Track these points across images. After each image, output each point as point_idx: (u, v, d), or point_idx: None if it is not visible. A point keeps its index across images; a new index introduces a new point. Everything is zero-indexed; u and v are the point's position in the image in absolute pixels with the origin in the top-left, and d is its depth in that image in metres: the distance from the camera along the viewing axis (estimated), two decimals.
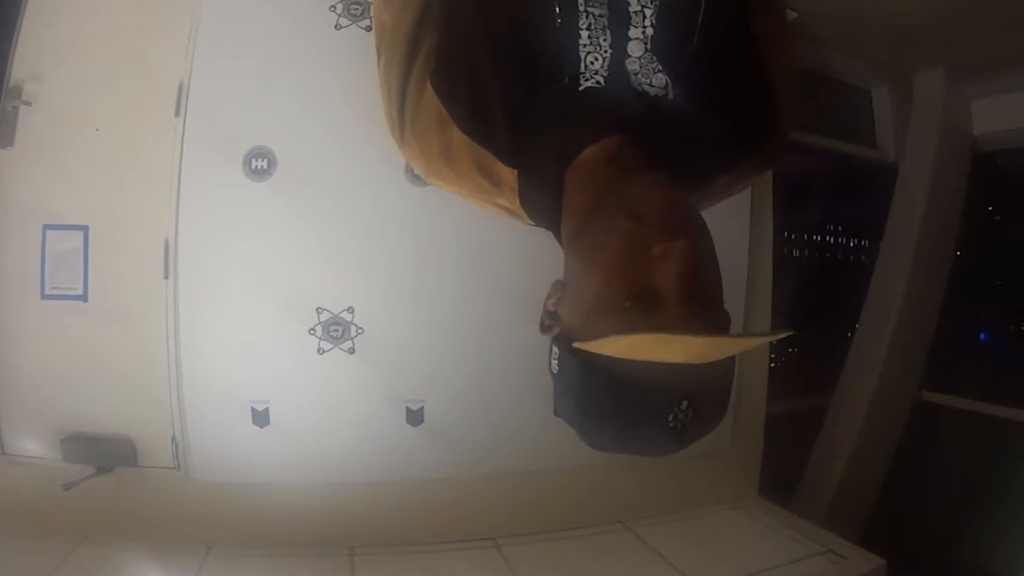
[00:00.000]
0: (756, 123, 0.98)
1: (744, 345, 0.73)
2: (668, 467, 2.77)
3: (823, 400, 3.66)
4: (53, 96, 2.30)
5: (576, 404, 0.78)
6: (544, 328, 0.86)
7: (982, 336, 4.05)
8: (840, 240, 4.03)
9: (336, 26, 2.41)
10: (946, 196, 3.55)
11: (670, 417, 0.72)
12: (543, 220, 0.95)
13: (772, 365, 3.30)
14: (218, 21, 2.34)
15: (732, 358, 0.77)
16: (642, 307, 0.70)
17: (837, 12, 2.96)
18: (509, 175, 0.93)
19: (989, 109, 3.58)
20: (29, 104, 2.28)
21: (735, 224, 2.91)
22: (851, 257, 4.04)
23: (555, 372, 0.82)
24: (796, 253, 3.85)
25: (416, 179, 2.41)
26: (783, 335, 0.73)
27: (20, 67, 2.29)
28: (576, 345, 0.71)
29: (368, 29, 2.40)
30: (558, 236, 0.92)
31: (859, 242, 4.02)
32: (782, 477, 3.31)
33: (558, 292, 0.85)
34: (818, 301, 3.90)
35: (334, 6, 2.40)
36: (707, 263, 0.75)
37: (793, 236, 3.80)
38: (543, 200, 0.92)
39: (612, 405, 0.74)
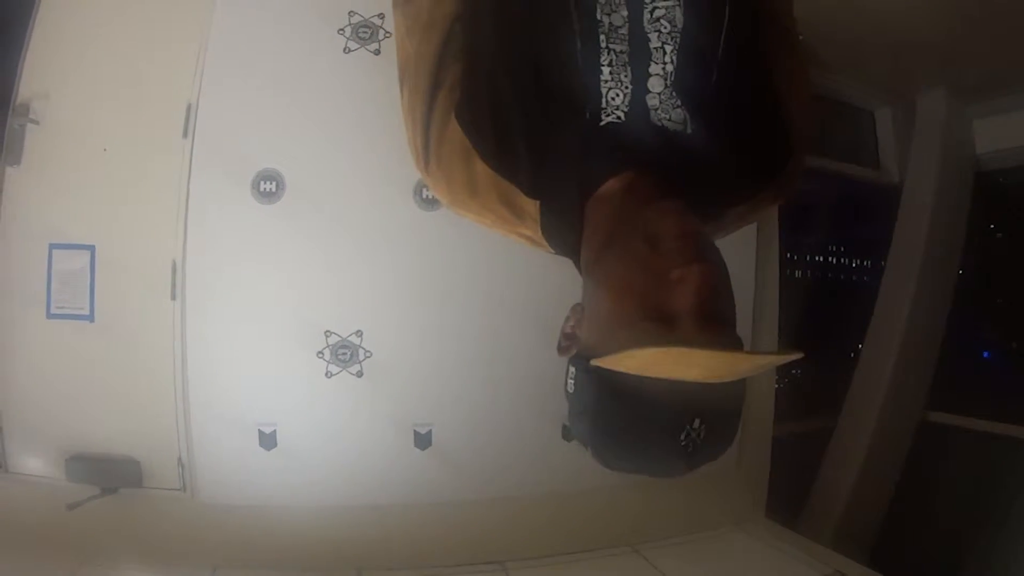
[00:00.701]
0: (771, 155, 1.00)
1: (758, 363, 0.73)
2: (675, 490, 2.76)
3: (828, 421, 3.65)
4: (61, 115, 2.31)
5: (590, 422, 0.78)
6: (561, 349, 0.87)
7: (985, 354, 4.05)
8: (844, 261, 4.04)
9: (345, 49, 2.42)
10: (949, 215, 3.56)
11: (682, 436, 0.72)
12: (564, 249, 0.96)
13: (777, 387, 3.31)
14: (226, 43, 2.35)
15: (742, 383, 0.78)
16: (660, 327, 0.70)
17: (840, 34, 2.96)
18: (531, 206, 0.94)
19: (991, 128, 3.59)
20: (37, 123, 2.29)
21: (742, 247, 2.93)
22: (854, 278, 4.05)
23: (570, 392, 0.82)
24: (799, 275, 3.85)
25: (424, 203, 2.42)
26: (795, 356, 0.74)
27: (28, 86, 2.31)
28: (595, 362, 0.72)
29: (376, 53, 2.42)
30: (578, 265, 0.94)
31: (862, 263, 4.03)
32: (789, 498, 3.31)
33: (576, 315, 0.86)
34: (822, 322, 3.90)
35: (343, 29, 2.42)
36: (722, 288, 0.76)
37: (796, 258, 3.81)
38: (564, 231, 0.93)
39: (625, 422, 0.75)
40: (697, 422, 0.72)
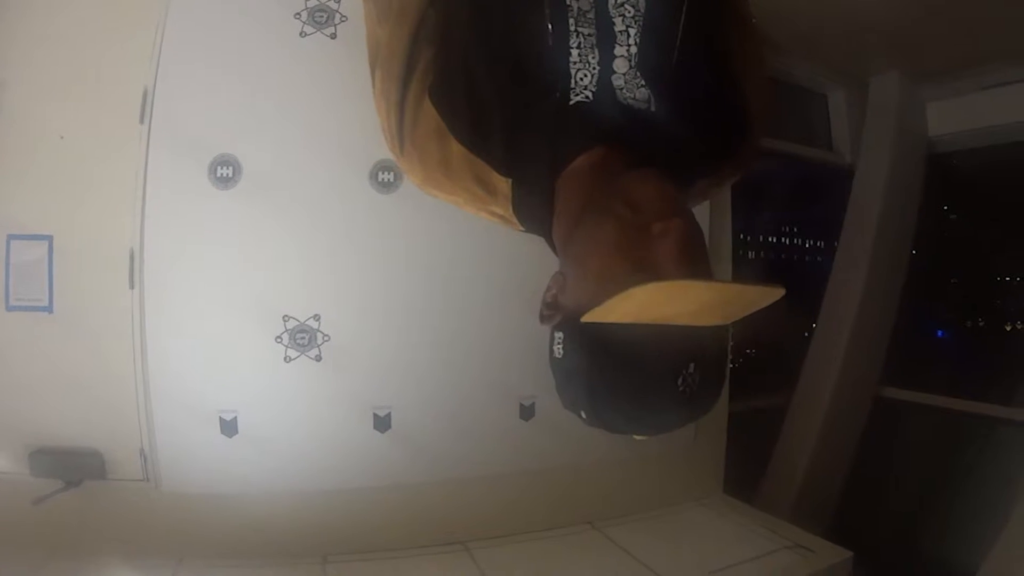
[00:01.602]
0: (730, 131, 1.06)
1: (747, 295, 0.75)
2: (634, 467, 2.83)
3: (784, 399, 3.72)
4: (16, 103, 2.28)
5: (585, 383, 0.80)
6: (544, 318, 0.89)
7: (939, 333, 4.14)
8: (798, 241, 4.10)
9: (301, 33, 2.41)
10: (902, 196, 3.63)
11: (679, 381, 0.74)
12: (535, 226, 1.00)
13: (732, 366, 3.35)
14: (183, 28, 2.33)
15: (727, 328, 0.81)
16: (648, 277, 0.70)
17: (794, 17, 2.99)
18: (504, 184, 0.98)
19: (944, 111, 3.65)
20: None
21: None
22: (807, 258, 4.11)
23: (558, 356, 0.84)
24: (753, 255, 3.90)
25: (381, 186, 2.42)
26: (779, 293, 0.75)
27: None
28: (587, 316, 0.72)
29: (333, 37, 2.41)
30: (549, 240, 0.98)
31: (815, 243, 4.09)
32: (747, 474, 3.38)
33: (557, 283, 0.89)
34: (778, 302, 3.92)
35: (299, 14, 2.41)
36: (701, 243, 0.80)
37: (750, 238, 3.86)
38: (535, 207, 0.97)
39: (621, 375, 0.76)
40: (692, 366, 0.75)
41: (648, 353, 0.73)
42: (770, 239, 4.01)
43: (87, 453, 2.32)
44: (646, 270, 0.73)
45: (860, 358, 3.57)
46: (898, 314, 3.73)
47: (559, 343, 0.84)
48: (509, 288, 2.42)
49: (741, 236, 3.67)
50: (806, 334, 3.77)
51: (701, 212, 2.92)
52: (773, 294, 0.74)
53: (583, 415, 0.82)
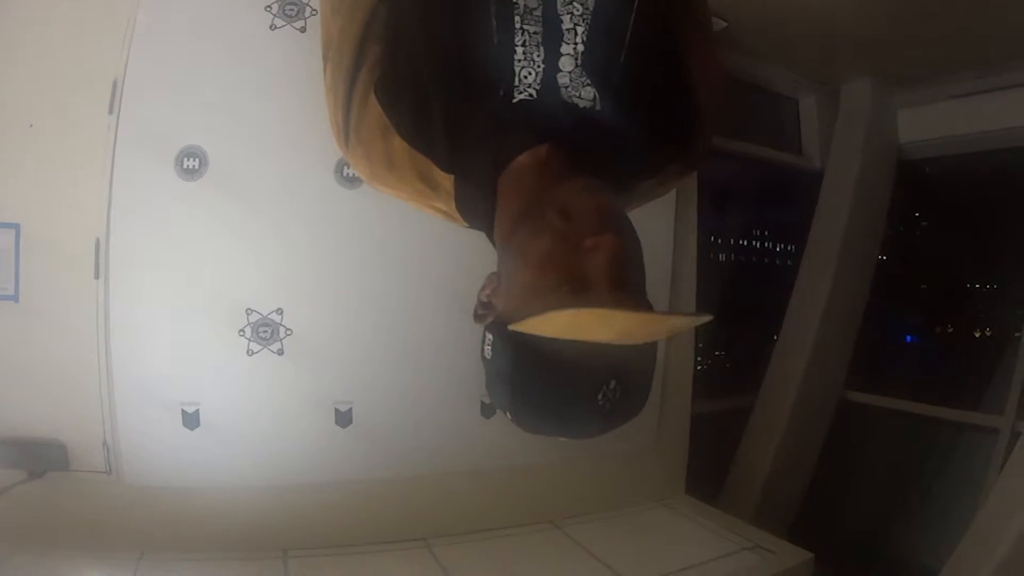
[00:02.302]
0: (678, 132, 1.07)
1: (670, 323, 0.79)
2: (596, 466, 2.84)
3: (749, 400, 3.74)
4: None
5: (509, 387, 0.82)
6: (477, 317, 0.92)
7: (908, 338, 4.18)
8: (767, 245, 4.13)
9: (271, 26, 2.40)
10: (870, 202, 3.66)
11: (599, 396, 0.77)
12: (477, 222, 1.02)
13: (699, 368, 3.38)
14: (155, 17, 2.30)
15: (655, 345, 0.84)
16: (575, 293, 0.75)
17: (766, 22, 3.02)
18: (447, 180, 0.99)
19: (915, 118, 3.69)
20: None
21: (660, 225, 3.00)
22: (777, 261, 4.15)
23: (488, 358, 0.86)
24: (722, 257, 3.94)
25: (346, 180, 2.42)
26: (705, 319, 0.78)
27: None
28: (513, 326, 0.75)
29: (302, 31, 2.40)
30: (491, 237, 1.00)
31: (785, 247, 4.12)
32: (709, 475, 3.40)
33: (492, 283, 0.92)
34: (745, 305, 3.99)
35: (269, 6, 2.40)
36: (634, 257, 0.82)
37: (719, 241, 3.89)
38: (478, 204, 0.99)
39: (543, 385, 0.79)
40: (613, 383, 0.77)
41: (570, 367, 0.75)
42: (740, 242, 4.04)
43: (50, 444, 2.29)
44: (575, 286, 0.75)
45: (825, 361, 3.59)
46: (866, 319, 3.76)
47: (489, 344, 0.86)
48: (473, 285, 2.35)
49: (711, 238, 3.71)
50: (775, 336, 3.79)
51: (667, 209, 3.00)
52: (698, 321, 0.77)
53: (508, 415, 0.85)
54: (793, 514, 3.59)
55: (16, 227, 2.27)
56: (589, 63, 0.98)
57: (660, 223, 3.00)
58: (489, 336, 0.86)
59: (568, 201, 0.81)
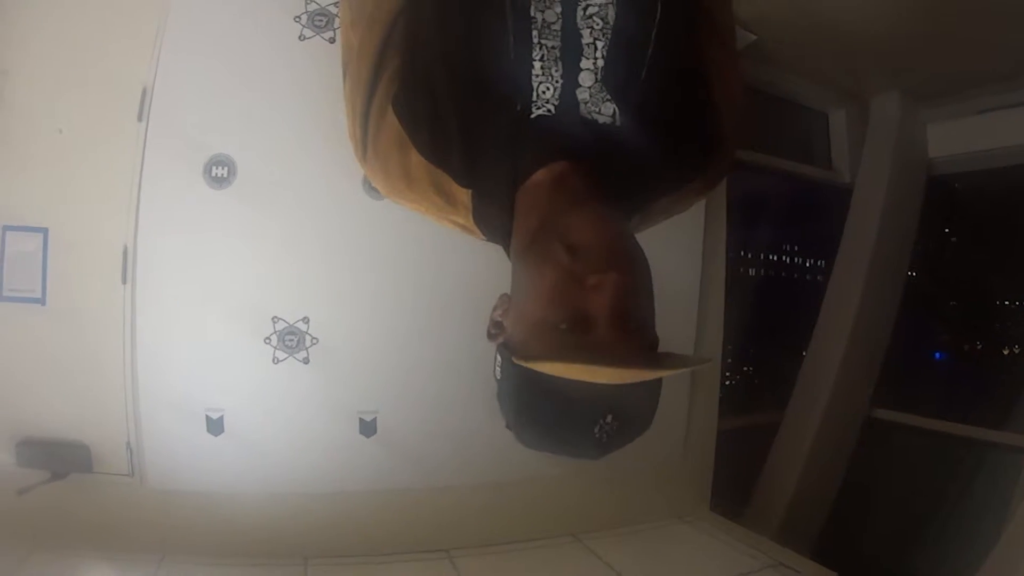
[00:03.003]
0: (698, 150, 1.05)
1: (663, 375, 0.79)
2: (620, 481, 2.81)
3: (776, 417, 3.69)
4: (17, 95, 2.28)
5: (513, 408, 0.85)
6: (491, 336, 0.93)
7: (937, 355, 4.12)
8: (796, 260, 4.09)
9: (300, 37, 2.42)
10: (900, 216, 3.61)
11: (595, 429, 0.79)
12: (495, 236, 1.01)
13: (727, 383, 3.35)
14: (184, 26, 2.34)
15: (658, 380, 0.83)
16: (575, 330, 0.76)
17: (795, 35, 3.00)
18: (464, 195, 0.99)
19: (944, 133, 3.64)
20: None
21: (688, 241, 2.99)
22: (807, 277, 4.10)
23: (498, 377, 0.88)
24: (752, 272, 3.89)
25: (374, 191, 2.41)
26: (704, 363, 0.78)
27: None
28: (516, 361, 0.78)
29: (332, 41, 2.42)
30: (508, 252, 0.98)
31: (815, 262, 4.07)
32: (734, 492, 3.36)
33: (504, 304, 0.91)
34: (774, 320, 3.96)
35: (299, 17, 2.42)
36: (638, 293, 0.81)
37: (749, 255, 3.85)
38: (495, 219, 0.98)
39: (543, 414, 0.80)
40: (610, 417, 0.78)
41: (568, 401, 0.76)
42: (771, 256, 4.00)
43: (74, 445, 2.32)
44: (576, 321, 0.77)
45: (853, 378, 3.54)
46: (894, 335, 3.71)
47: (498, 365, 0.88)
48: (497, 297, 2.36)
49: (742, 253, 3.69)
50: (804, 353, 3.75)
51: (695, 224, 2.99)
52: (694, 366, 0.77)
53: (512, 433, 0.88)
54: (817, 532, 3.54)
55: (44, 231, 2.30)
56: (609, 79, 0.97)
57: (688, 239, 2.99)
58: (498, 357, 0.88)
59: (576, 234, 0.81)
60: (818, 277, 4.00)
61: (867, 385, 3.66)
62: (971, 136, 3.52)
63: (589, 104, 0.97)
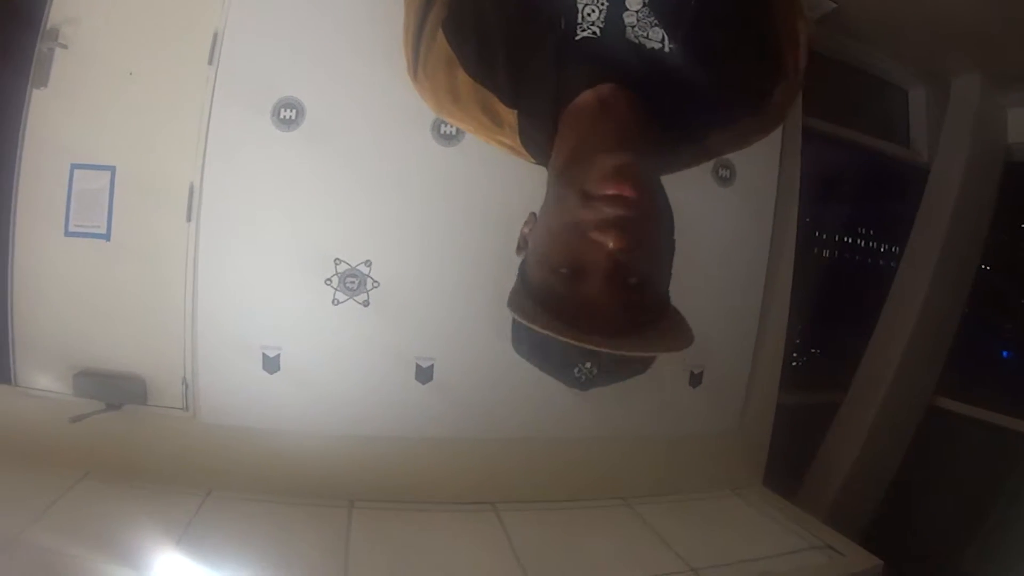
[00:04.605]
0: (754, 80, 1.00)
1: (625, 354, 0.82)
2: (674, 447, 2.80)
3: (837, 396, 3.62)
4: (89, 40, 2.34)
5: (513, 333, 0.90)
6: (518, 250, 0.96)
7: (1004, 354, 4.01)
8: (871, 244, 3.99)
9: None
10: (975, 200, 3.50)
11: (575, 371, 0.83)
12: (542, 158, 1.00)
13: (794, 364, 3.30)
14: None
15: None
16: (572, 277, 0.79)
17: (878, 8, 2.93)
18: (510, 115, 0.98)
19: None
20: (65, 47, 2.32)
21: (758, 223, 2.94)
22: (880, 262, 4.00)
23: (510, 293, 0.90)
24: (826, 254, 3.82)
25: (442, 138, 2.43)
26: (675, 350, 0.79)
27: (58, 11, 2.33)
28: (512, 312, 0.81)
29: None
30: None
31: (890, 247, 3.97)
32: (789, 469, 3.30)
33: (532, 222, 0.93)
34: (847, 302, 3.89)
35: None
36: (639, 251, 0.79)
37: (824, 236, 3.78)
38: (539, 139, 0.97)
39: (532, 349, 0.87)
40: (589, 365, 0.82)
41: (551, 345, 0.78)
42: (845, 239, 3.92)
43: (131, 378, 2.37)
44: (575, 268, 0.78)
45: (916, 366, 3.45)
46: (962, 326, 3.62)
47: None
48: None
49: (815, 233, 3.65)
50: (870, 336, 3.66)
51: (765, 210, 2.94)
52: (665, 351, 0.79)
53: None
54: (868, 517, 3.47)
55: (112, 169, 2.35)
56: (657, 2, 0.93)
57: (758, 220, 2.94)
58: (517, 275, 0.91)
59: (593, 182, 0.79)
60: (891, 264, 3.88)
61: (930, 374, 3.57)
62: None
63: (636, 28, 0.94)
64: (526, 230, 0.94)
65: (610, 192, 0.77)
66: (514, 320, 0.86)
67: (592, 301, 0.77)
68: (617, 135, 0.85)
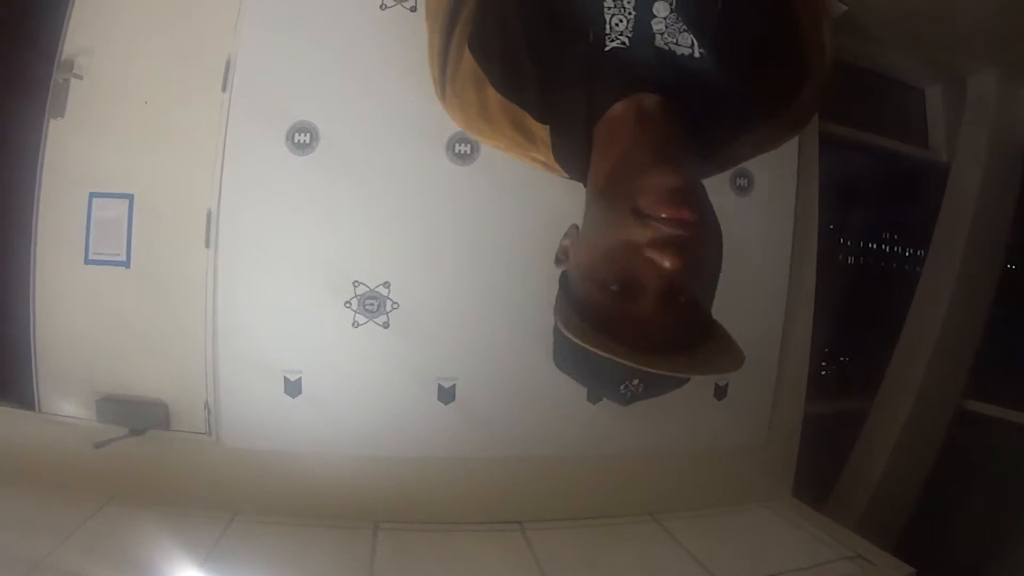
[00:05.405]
0: (783, 80, 1.01)
1: (678, 375, 0.81)
2: (701, 461, 2.78)
3: (865, 404, 3.58)
4: (103, 70, 2.37)
5: (557, 350, 0.90)
6: (558, 262, 0.95)
7: None
8: (897, 249, 3.95)
9: (381, 6, 2.42)
10: (997, 198, 3.45)
11: (621, 387, 0.83)
12: (576, 173, 1.00)
13: (823, 373, 3.27)
14: None
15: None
16: (623, 294, 0.78)
17: (891, 8, 2.91)
18: (542, 131, 0.98)
19: None
20: (80, 77, 2.35)
21: (778, 227, 2.91)
22: (905, 267, 3.96)
23: (555, 306, 0.90)
24: (850, 260, 3.79)
25: (457, 157, 2.43)
26: (736, 368, 0.78)
27: (72, 41, 2.36)
28: (560, 327, 0.81)
29: (412, 9, 2.42)
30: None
31: (915, 252, 3.92)
32: (818, 479, 3.27)
33: (573, 235, 0.93)
34: (872, 310, 3.83)
35: None
36: (693, 271, 0.79)
37: (848, 243, 3.75)
38: (574, 155, 0.97)
39: (579, 362, 0.85)
40: (636, 381, 0.82)
41: (598, 362, 0.77)
42: (870, 245, 3.89)
43: (153, 403, 2.38)
44: (627, 286, 0.78)
45: (944, 369, 3.41)
46: (989, 327, 3.57)
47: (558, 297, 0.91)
48: None
49: (840, 240, 3.64)
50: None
51: (785, 214, 2.92)
52: (719, 372, 0.79)
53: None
54: (900, 525, 3.42)
55: (129, 197, 2.36)
56: (685, 8, 0.93)
57: (778, 229, 2.91)
58: (559, 288, 0.92)
59: (645, 199, 0.78)
60: (917, 269, 3.84)
61: (959, 377, 3.52)
62: None
63: (665, 35, 0.93)
64: (567, 242, 0.93)
65: (667, 215, 0.77)
66: (557, 334, 0.87)
67: (645, 319, 0.77)
68: (661, 147, 0.85)
